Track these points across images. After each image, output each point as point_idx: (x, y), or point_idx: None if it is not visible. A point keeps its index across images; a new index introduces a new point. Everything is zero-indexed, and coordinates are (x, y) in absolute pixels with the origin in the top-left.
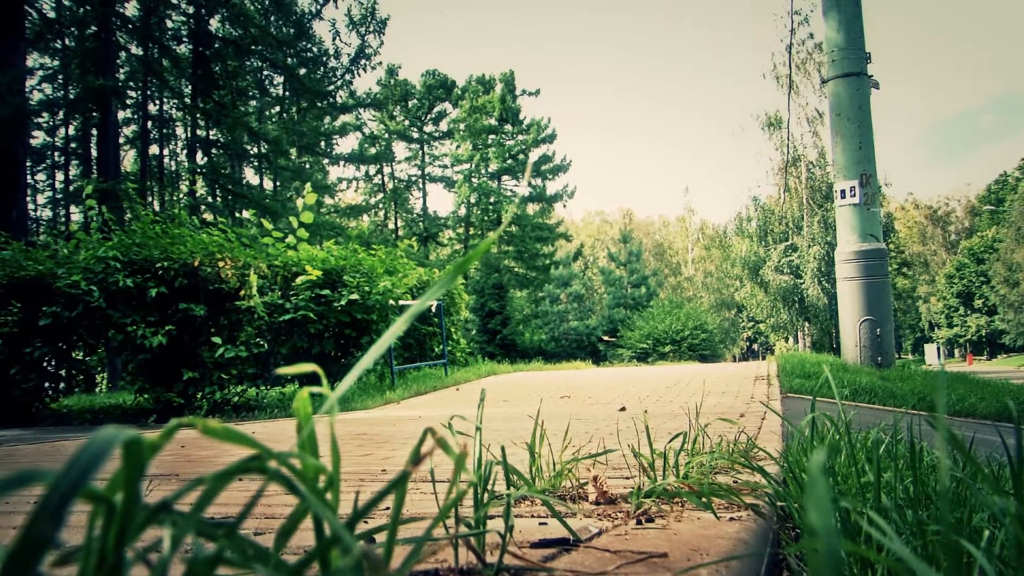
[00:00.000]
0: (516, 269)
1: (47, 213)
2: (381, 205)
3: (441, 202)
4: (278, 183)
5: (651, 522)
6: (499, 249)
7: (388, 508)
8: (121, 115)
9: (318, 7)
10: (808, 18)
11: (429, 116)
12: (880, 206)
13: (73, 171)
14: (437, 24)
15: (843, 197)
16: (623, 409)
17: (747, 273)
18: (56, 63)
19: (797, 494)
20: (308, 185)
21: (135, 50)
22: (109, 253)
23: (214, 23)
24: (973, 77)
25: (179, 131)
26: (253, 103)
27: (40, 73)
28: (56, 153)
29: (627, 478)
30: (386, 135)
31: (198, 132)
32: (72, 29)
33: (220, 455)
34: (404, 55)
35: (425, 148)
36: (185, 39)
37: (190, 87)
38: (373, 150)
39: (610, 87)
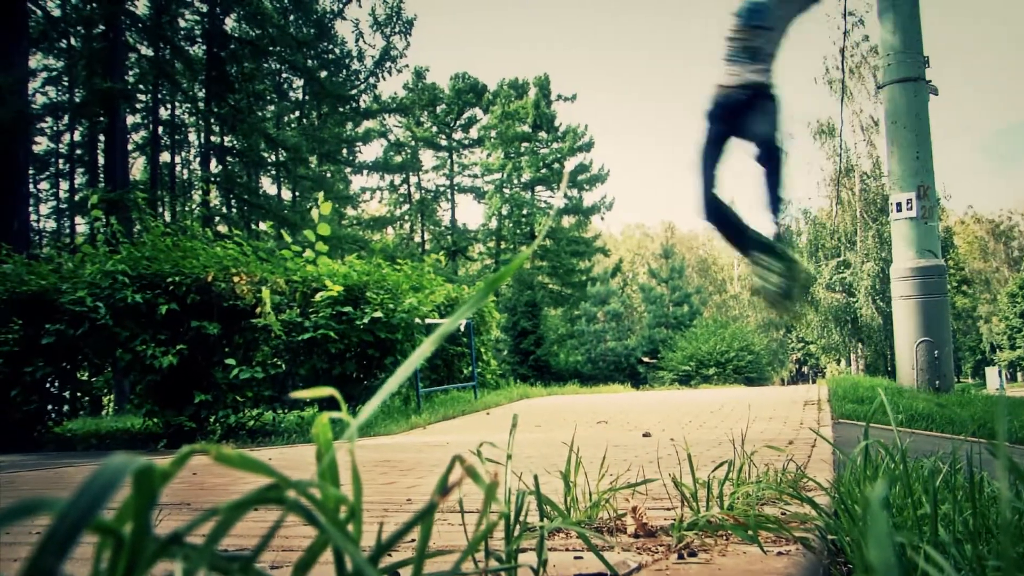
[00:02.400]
0: (550, 286)
1: (51, 224)
2: (407, 217)
3: (471, 214)
4: (297, 193)
5: (693, 556)
6: (532, 264)
7: (414, 540)
8: (130, 120)
9: (340, 6)
10: (863, 19)
11: (458, 122)
12: (938, 220)
13: (79, 179)
14: (467, 25)
15: (899, 210)
16: (647, 435)
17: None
18: (61, 64)
19: (849, 527)
20: (321, 194)
21: (145, 51)
22: (117, 267)
23: (229, 22)
24: None
25: (192, 137)
26: (271, 108)
27: (44, 75)
28: (61, 160)
29: (668, 509)
30: (412, 142)
31: (212, 138)
32: (78, 28)
33: (235, 483)
34: (432, 57)
35: (454, 156)
36: (199, 39)
37: (204, 90)
38: (398, 158)
39: (651, 92)
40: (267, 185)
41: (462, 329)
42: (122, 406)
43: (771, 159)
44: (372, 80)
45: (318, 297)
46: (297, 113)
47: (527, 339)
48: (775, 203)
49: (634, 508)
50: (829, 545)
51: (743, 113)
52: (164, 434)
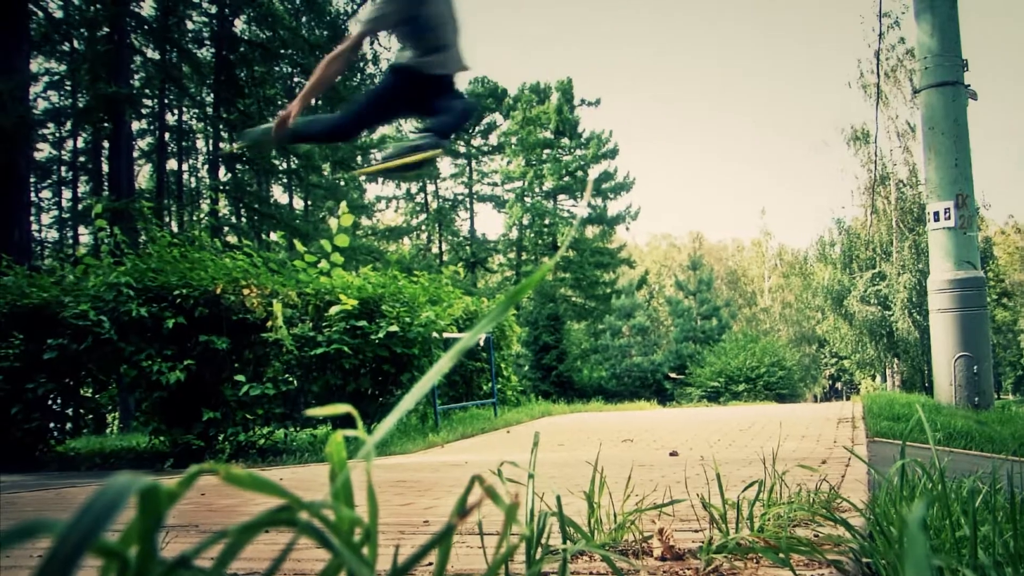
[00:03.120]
0: (573, 298)
1: (53, 234)
2: (424, 227)
3: (490, 224)
4: (309, 202)
5: None
6: (555, 276)
7: (431, 564)
8: (135, 126)
9: (354, 7)
10: (899, 21)
11: (477, 128)
12: (978, 230)
13: (82, 188)
14: (486, 26)
15: (936, 220)
16: (675, 454)
17: (830, 304)
18: (64, 68)
19: (885, 549)
20: (343, 204)
21: (151, 54)
22: (121, 279)
23: (239, 24)
24: None
25: (200, 144)
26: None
27: (45, 79)
28: (63, 168)
29: (696, 531)
30: None
31: (221, 145)
32: (81, 30)
33: (244, 504)
34: None
35: (473, 164)
36: (207, 42)
37: (212, 95)
38: None
39: (678, 97)
40: (278, 194)
41: (481, 344)
42: (127, 424)
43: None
44: None
45: (332, 311)
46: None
47: (549, 354)
48: (439, 127)
49: (661, 530)
50: (864, 568)
51: (427, 92)
52: (171, 453)
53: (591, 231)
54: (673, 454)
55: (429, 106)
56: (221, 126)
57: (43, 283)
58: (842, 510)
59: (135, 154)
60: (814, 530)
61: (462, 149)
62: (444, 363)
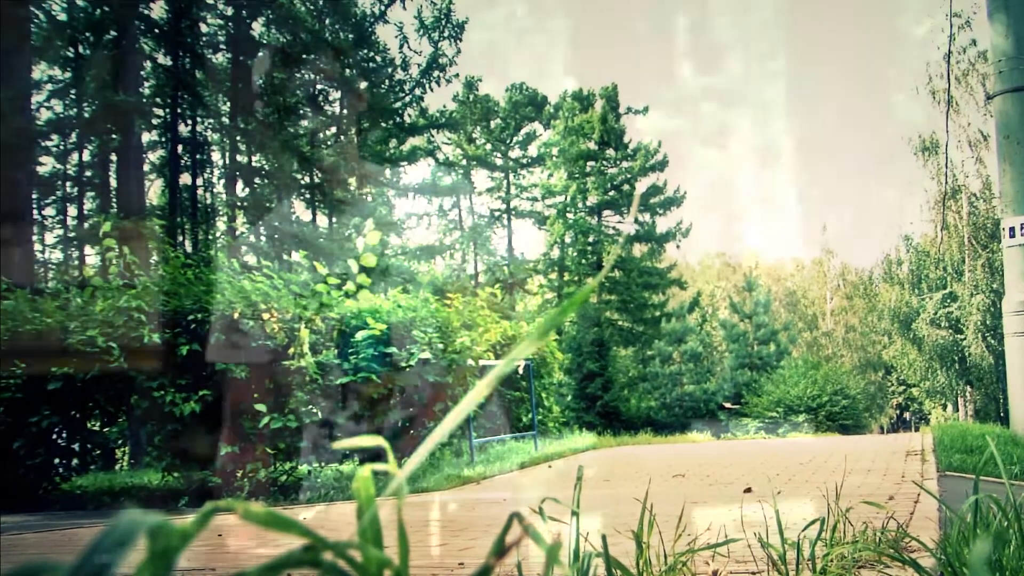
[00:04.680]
0: (620, 322)
1: (57, 255)
2: (458, 245)
3: (530, 242)
4: (334, 219)
5: None
6: (599, 299)
7: None
8: (145, 138)
9: (382, 8)
10: (970, 21)
11: (515, 139)
12: None
13: (88, 205)
14: (524, 29)
15: (1012, 236)
16: (748, 490)
17: (897, 327)
18: (68, 75)
19: None
20: (370, 222)
21: (162, 60)
22: (131, 303)
23: (257, 27)
24: None
25: (216, 157)
26: (304, 123)
27: (48, 87)
28: (68, 183)
29: (753, 573)
30: (464, 162)
31: (238, 158)
32: (87, 34)
33: (264, 545)
34: (485, 66)
35: (511, 177)
36: (223, 46)
37: (228, 103)
38: (448, 180)
39: (732, 104)
40: (300, 210)
41: (520, 371)
42: (138, 459)
43: None
44: (418, 91)
45: (358, 336)
46: (334, 129)
47: (594, 382)
48: None
49: (715, 572)
50: None
51: None
52: (186, 491)
53: (639, 249)
54: (747, 491)
55: None
56: (238, 137)
57: (47, 307)
58: (911, 550)
59: (145, 168)
60: (881, 571)
61: (499, 161)
62: (479, 392)
